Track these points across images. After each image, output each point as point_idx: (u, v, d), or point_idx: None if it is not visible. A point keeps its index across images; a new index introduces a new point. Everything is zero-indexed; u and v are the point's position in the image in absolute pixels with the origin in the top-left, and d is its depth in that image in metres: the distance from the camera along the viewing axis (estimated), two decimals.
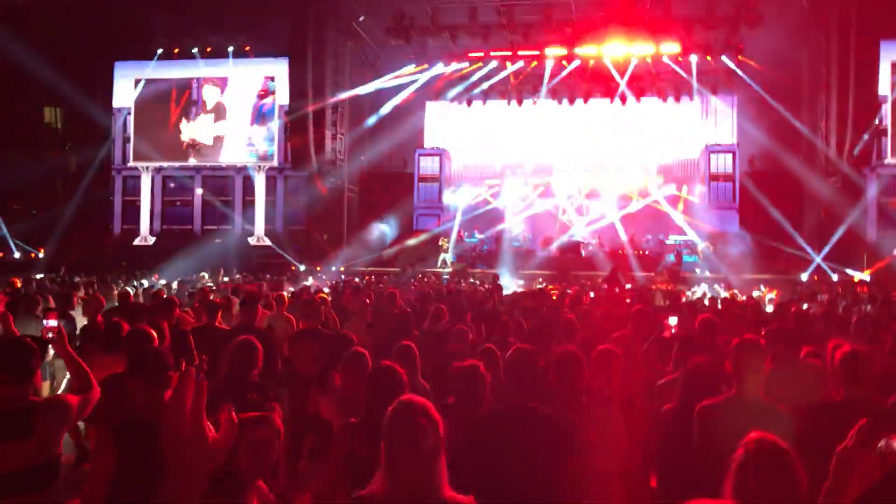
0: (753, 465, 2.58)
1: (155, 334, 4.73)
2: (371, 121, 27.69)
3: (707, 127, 27.17)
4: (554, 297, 11.58)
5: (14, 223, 26.97)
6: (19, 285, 13.15)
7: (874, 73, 21.88)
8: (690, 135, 27.29)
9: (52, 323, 4.03)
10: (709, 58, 24.42)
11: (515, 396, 3.82)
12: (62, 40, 25.59)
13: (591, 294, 13.19)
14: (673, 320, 8.19)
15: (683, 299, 11.91)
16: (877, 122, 23.00)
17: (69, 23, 25.76)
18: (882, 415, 3.55)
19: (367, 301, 8.96)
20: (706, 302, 12.20)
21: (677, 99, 26.63)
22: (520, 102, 27.44)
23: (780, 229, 22.95)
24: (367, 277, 19.63)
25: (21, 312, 7.33)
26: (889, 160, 23.65)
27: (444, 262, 24.28)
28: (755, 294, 15.17)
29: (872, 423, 2.67)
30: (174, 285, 14.89)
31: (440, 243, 25.03)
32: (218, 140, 27.88)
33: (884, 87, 22.98)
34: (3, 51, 22.75)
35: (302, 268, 23.58)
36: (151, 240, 27.89)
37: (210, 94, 27.83)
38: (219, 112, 27.83)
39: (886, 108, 23.44)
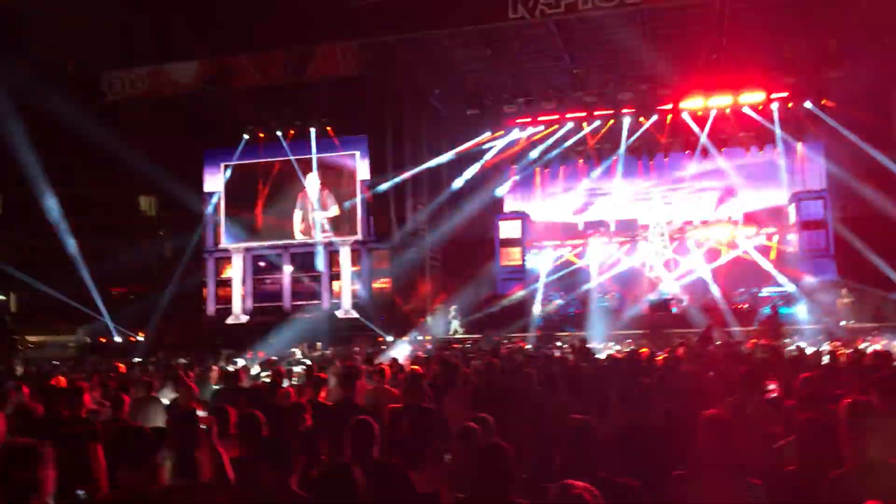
0: None
1: (264, 419, 4.81)
2: (452, 188, 28.00)
3: (794, 174, 26.48)
4: (650, 359, 11.35)
5: (113, 309, 28.10)
6: (124, 370, 13.64)
7: None
8: (777, 183, 26.62)
9: (203, 414, 4.13)
10: (791, 104, 24.02)
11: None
12: (155, 132, 27.00)
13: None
14: (773, 384, 7.88)
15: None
16: None
17: (161, 115, 27.22)
18: None
19: (467, 373, 8.93)
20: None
21: (760, 148, 26.13)
22: (599, 162, 27.44)
23: (881, 275, 21.96)
24: (454, 346, 19.62)
25: (135, 396, 7.57)
26: None
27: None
28: (862, 346, 14.48)
29: None
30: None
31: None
32: (304, 218, 28.70)
33: None
34: (101, 144, 24.13)
35: (389, 338, 23.77)
36: (244, 318, 28.65)
37: (294, 175, 28.76)
38: (304, 191, 28.70)
39: None
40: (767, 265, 25.43)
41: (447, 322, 25.24)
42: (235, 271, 29.39)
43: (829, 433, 4.14)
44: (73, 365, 18.74)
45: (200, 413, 4.12)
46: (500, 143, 27.39)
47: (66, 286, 26.69)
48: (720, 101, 24.33)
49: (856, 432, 3.84)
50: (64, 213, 26.67)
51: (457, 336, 24.15)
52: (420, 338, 23.63)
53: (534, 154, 27.83)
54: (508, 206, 29.34)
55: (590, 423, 5.09)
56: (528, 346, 19.06)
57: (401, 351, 18.08)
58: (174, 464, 3.92)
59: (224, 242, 29.55)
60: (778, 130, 25.23)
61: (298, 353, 18.82)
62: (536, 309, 25.94)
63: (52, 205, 26.34)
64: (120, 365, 14.50)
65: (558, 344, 19.18)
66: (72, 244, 26.90)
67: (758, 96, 23.71)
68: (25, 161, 25.07)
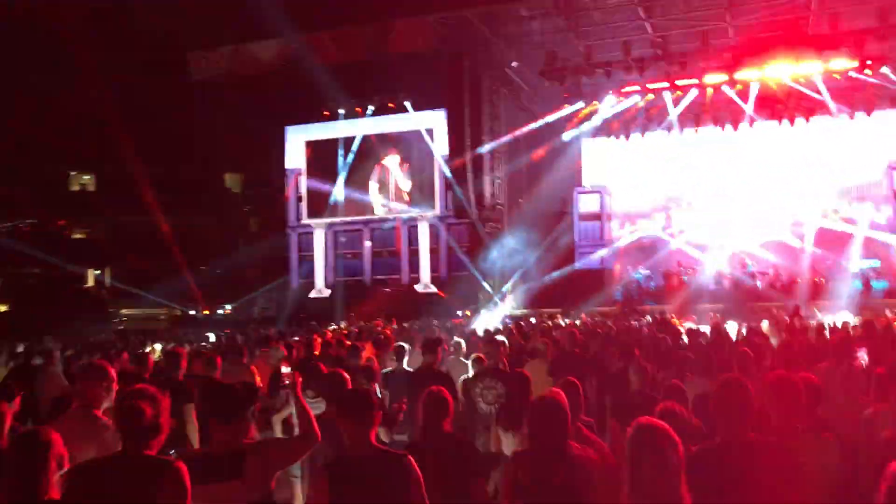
0: None
1: (348, 377, 4.98)
2: (531, 161, 27.83)
3: (889, 143, 25.36)
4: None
5: (202, 282, 29.09)
6: (213, 340, 14.19)
7: None
8: (870, 153, 25.55)
9: (287, 370, 4.31)
10: (884, 69, 22.87)
11: (729, 429, 3.66)
12: (238, 110, 27.68)
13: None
14: (863, 352, 7.72)
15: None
16: None
17: (244, 93, 27.88)
18: None
19: (547, 342, 8.99)
20: None
21: (851, 116, 25.10)
22: (681, 132, 26.77)
23: None
24: (536, 319, 19.57)
25: (228, 360, 7.92)
26: None
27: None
28: None
29: None
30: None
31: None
32: (383, 193, 29.08)
33: None
34: (189, 122, 24.92)
35: (468, 312, 23.92)
36: (326, 292, 29.30)
37: (373, 150, 29.12)
38: (383, 167, 29.04)
39: None
40: (859, 236, 24.50)
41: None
42: (317, 246, 30.02)
43: None
44: (164, 336, 19.53)
45: (285, 370, 4.29)
46: (579, 116, 26.95)
47: (157, 261, 27.76)
48: (809, 69, 23.30)
49: None
50: (154, 191, 27.64)
51: (519, 311, 24.00)
52: (500, 312, 23.68)
53: (614, 126, 27.34)
54: (587, 180, 29.00)
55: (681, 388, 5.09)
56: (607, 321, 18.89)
57: (481, 324, 18.19)
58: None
59: (306, 218, 30.18)
60: (870, 99, 24.13)
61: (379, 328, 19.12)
62: (616, 283, 25.67)
63: (142, 182, 27.32)
64: (210, 335, 15.08)
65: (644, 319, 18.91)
66: (162, 220, 27.91)
67: (847, 63, 22.58)
68: (117, 140, 26.04)
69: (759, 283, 23.91)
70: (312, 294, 29.34)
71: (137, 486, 3.19)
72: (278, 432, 6.23)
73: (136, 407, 3.30)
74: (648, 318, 18.08)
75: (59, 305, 28.61)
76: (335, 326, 18.72)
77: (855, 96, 24.54)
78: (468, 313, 23.91)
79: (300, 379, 4.11)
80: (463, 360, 8.58)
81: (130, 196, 28.11)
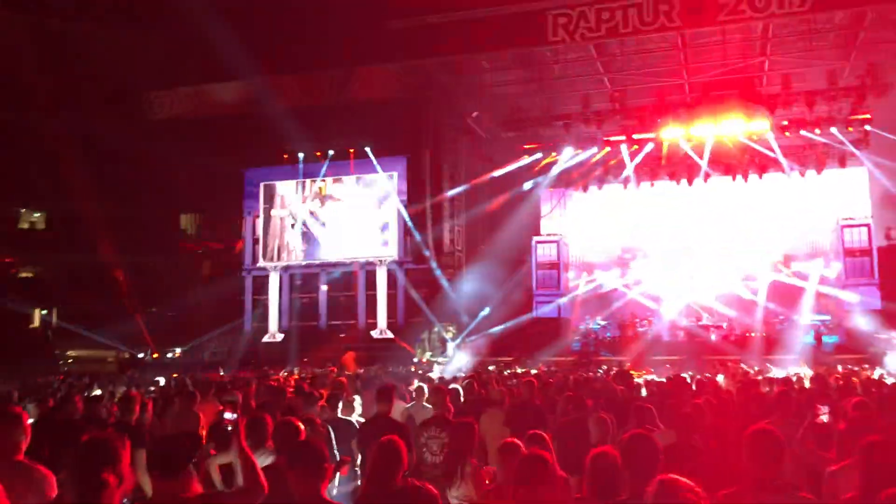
0: None
1: (302, 427, 4.78)
2: (489, 210, 27.94)
3: (838, 201, 26.00)
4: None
5: (153, 324, 28.40)
6: (162, 384, 13.77)
7: None
8: (821, 210, 26.17)
9: (230, 416, 4.09)
10: (834, 129, 23.52)
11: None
12: (197, 151, 27.40)
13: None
14: (825, 408, 7.71)
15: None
16: None
17: (203, 134, 27.63)
18: None
19: (503, 391, 8.86)
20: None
21: (802, 174, 25.72)
22: (637, 186, 27.15)
23: None
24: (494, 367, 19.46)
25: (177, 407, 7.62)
26: None
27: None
28: None
29: None
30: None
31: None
32: (340, 237, 28.89)
33: None
34: (144, 162, 24.52)
35: (425, 359, 23.69)
36: (280, 336, 28.78)
37: (333, 194, 29.01)
38: (341, 211, 28.91)
39: None
40: (810, 291, 24.96)
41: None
42: (272, 290, 29.60)
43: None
44: (112, 379, 18.94)
45: (228, 416, 4.09)
46: (537, 166, 27.19)
47: (107, 302, 27.06)
48: (761, 126, 23.86)
49: None
50: (106, 230, 27.06)
51: (477, 358, 23.69)
52: (456, 359, 23.46)
53: (572, 177, 27.64)
54: (545, 229, 29.16)
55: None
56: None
57: (442, 371, 18.01)
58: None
59: (262, 261, 29.79)
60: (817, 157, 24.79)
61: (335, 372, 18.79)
62: (573, 332, 25.69)
63: (94, 221, 26.74)
64: (159, 379, 14.65)
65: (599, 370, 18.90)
66: (113, 260, 27.29)
67: (799, 122, 23.21)
68: (69, 177, 25.53)
69: (713, 336, 24.12)
70: (266, 339, 28.83)
71: None
72: (215, 480, 5.92)
73: (103, 458, 3.18)
74: (605, 367, 18.09)
75: (2, 345, 27.63)
76: (286, 372, 18.35)
77: (806, 155, 25.17)
78: (424, 360, 23.68)
79: (244, 425, 3.92)
80: (426, 405, 8.41)
81: (81, 235, 27.47)
